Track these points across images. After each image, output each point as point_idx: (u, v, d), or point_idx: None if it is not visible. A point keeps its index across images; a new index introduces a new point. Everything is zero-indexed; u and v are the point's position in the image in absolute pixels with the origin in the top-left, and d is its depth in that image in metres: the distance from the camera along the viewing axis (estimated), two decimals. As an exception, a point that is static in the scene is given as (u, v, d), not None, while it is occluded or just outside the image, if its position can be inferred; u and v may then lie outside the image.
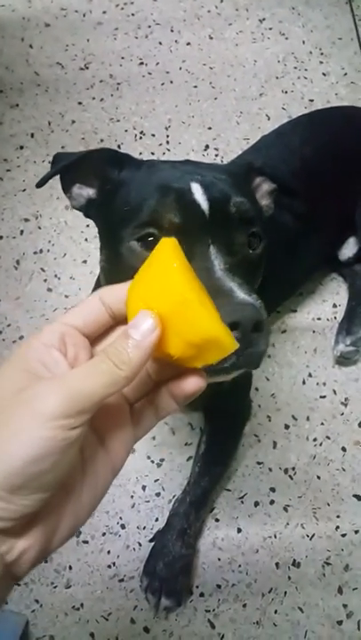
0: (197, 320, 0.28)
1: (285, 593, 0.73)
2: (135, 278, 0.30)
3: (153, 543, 0.74)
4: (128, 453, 0.31)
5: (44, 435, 0.24)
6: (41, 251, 0.96)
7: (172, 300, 0.28)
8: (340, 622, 0.72)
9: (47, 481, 0.25)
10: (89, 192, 0.54)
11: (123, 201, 0.49)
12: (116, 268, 0.49)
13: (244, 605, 0.72)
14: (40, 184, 0.52)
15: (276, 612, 0.72)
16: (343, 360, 0.88)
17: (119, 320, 0.31)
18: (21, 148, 1.06)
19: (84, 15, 1.23)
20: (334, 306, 0.94)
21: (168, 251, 0.30)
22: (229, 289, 0.40)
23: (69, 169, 0.52)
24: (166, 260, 0.29)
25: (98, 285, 0.67)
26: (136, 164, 0.53)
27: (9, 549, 0.26)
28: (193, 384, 0.30)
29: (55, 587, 0.72)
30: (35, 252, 0.96)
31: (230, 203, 0.46)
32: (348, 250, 0.89)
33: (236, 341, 0.29)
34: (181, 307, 0.28)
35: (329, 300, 0.95)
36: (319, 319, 0.93)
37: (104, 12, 1.24)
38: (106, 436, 0.30)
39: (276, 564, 0.74)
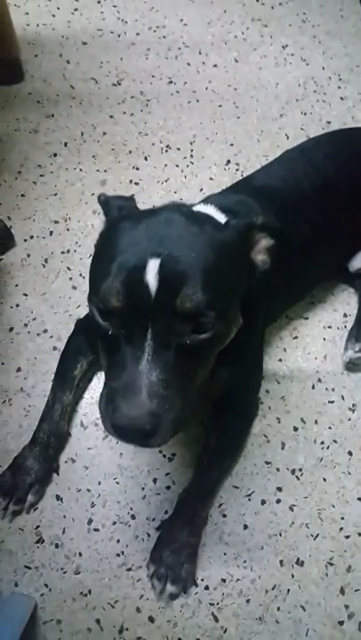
0: None
1: (288, 590, 0.74)
2: None
3: (160, 532, 0.75)
4: None
5: None
6: (68, 251, 1.00)
7: None
8: (341, 622, 0.72)
9: None
10: None
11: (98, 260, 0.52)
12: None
13: (248, 601, 0.73)
14: None
15: (278, 608, 0.72)
16: (352, 366, 0.90)
17: None
18: (55, 155, 1.11)
19: (118, 36, 1.31)
20: (345, 315, 0.97)
21: None
22: (138, 389, 0.42)
23: None
24: None
25: None
26: (112, 219, 0.54)
27: None
28: None
29: (65, 572, 0.73)
30: (62, 252, 1.00)
31: (179, 294, 0.43)
32: (356, 262, 0.92)
33: None
34: None
35: (340, 310, 0.97)
36: (330, 327, 0.96)
37: (137, 34, 1.31)
38: None
39: (281, 562, 0.76)
